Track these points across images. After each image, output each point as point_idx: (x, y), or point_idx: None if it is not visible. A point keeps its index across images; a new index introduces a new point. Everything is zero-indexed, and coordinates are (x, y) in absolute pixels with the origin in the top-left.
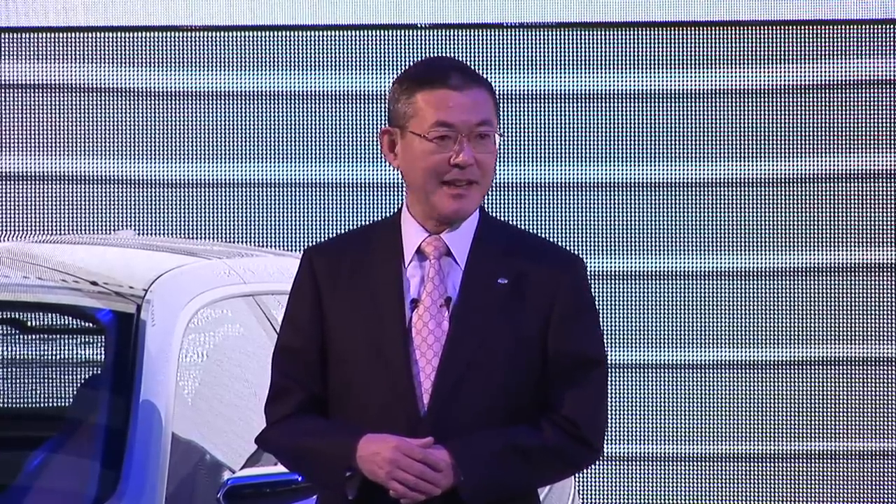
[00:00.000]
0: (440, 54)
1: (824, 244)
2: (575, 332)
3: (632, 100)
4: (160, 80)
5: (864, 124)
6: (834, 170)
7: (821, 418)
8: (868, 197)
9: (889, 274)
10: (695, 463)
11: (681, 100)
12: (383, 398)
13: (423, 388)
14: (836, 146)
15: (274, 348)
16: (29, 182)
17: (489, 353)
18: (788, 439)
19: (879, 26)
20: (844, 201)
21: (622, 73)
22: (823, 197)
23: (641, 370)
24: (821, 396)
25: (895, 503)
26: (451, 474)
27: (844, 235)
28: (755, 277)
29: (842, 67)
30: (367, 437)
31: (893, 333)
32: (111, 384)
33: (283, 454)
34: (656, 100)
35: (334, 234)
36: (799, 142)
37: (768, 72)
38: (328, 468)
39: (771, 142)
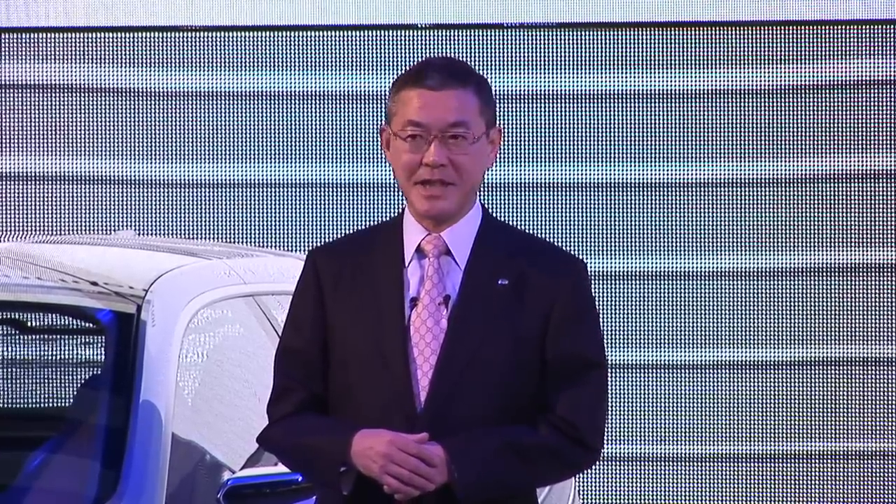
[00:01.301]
0: (439, 54)
1: (823, 244)
2: (574, 334)
3: (630, 100)
4: (159, 80)
5: (862, 124)
6: (832, 170)
7: (819, 418)
8: (867, 197)
9: (888, 274)
10: (693, 463)
11: (679, 100)
12: (382, 397)
13: (420, 387)
14: (834, 146)
15: (277, 349)
16: (28, 182)
17: (487, 353)
18: (787, 439)
19: (878, 26)
20: (843, 201)
21: (620, 73)
22: (822, 197)
23: (640, 370)
24: (819, 396)
25: (894, 503)
26: (445, 470)
27: (843, 235)
28: (753, 277)
29: (840, 67)
30: (361, 432)
31: (892, 333)
32: (111, 384)
33: (282, 452)
34: (655, 100)
35: (333, 235)
36: (797, 142)
37: (767, 72)
38: (324, 464)
39: (769, 142)
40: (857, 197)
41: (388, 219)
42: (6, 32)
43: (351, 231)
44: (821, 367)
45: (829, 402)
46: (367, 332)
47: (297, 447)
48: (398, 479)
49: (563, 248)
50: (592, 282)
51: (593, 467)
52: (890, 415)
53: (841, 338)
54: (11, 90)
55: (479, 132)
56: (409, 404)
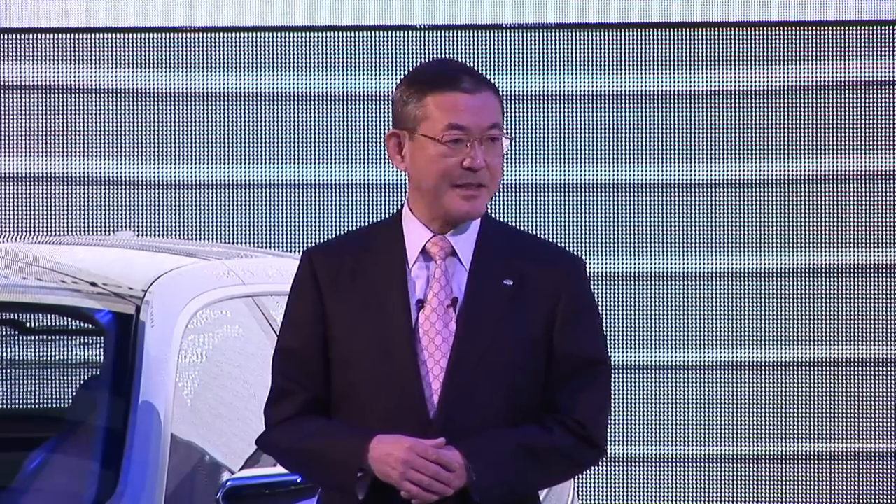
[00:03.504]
0: (445, 55)
1: (829, 244)
2: (579, 333)
3: (636, 100)
4: (164, 81)
5: (869, 125)
6: (839, 170)
7: (826, 418)
8: (873, 197)
9: (894, 274)
10: (699, 463)
11: (685, 100)
12: (391, 400)
13: (431, 389)
14: (841, 147)
15: (274, 349)
16: (34, 183)
17: (497, 354)
18: (793, 439)
19: (885, 27)
20: (850, 202)
21: (627, 73)
22: (828, 197)
23: (646, 370)
24: (825, 396)
25: None
26: (464, 474)
27: (850, 236)
28: (760, 278)
29: (847, 68)
30: (378, 437)
31: None
32: (110, 385)
33: (287, 456)
34: (661, 100)
35: (340, 235)
36: (804, 142)
37: (773, 72)
38: (338, 469)
39: (776, 142)
40: (863, 197)
41: (383, 218)
42: (11, 34)
43: (352, 230)
44: (827, 367)
45: (835, 401)
46: (373, 334)
47: (305, 452)
48: (418, 485)
49: (566, 247)
50: (598, 282)
51: (599, 467)
52: (895, 414)
53: (847, 338)
54: (17, 91)
55: (504, 133)
56: (421, 407)
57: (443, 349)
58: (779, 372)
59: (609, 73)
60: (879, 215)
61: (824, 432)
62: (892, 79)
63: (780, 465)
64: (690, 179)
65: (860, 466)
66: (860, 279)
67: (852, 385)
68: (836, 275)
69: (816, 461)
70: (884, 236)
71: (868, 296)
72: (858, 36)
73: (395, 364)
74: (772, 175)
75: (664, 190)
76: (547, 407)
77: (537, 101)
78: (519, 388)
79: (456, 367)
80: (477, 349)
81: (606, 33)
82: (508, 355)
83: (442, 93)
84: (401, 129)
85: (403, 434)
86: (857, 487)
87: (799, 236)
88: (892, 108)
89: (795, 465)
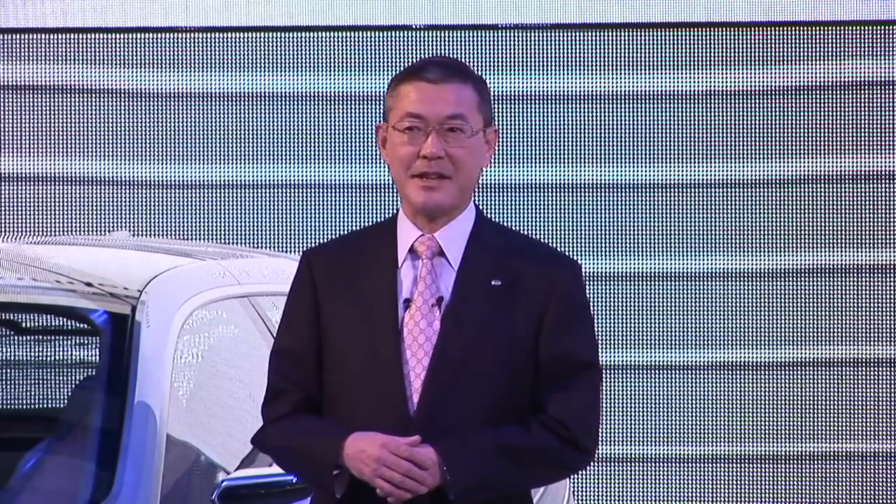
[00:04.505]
0: (445, 55)
1: (832, 245)
2: (567, 336)
3: (639, 101)
4: (166, 81)
5: (871, 125)
6: (841, 170)
7: (828, 418)
8: (876, 197)
9: None
10: (702, 463)
11: (688, 100)
12: (375, 398)
13: (413, 388)
14: (843, 147)
15: (272, 349)
16: (34, 183)
17: (480, 354)
18: (796, 439)
19: (887, 27)
20: (852, 202)
21: (629, 73)
22: (831, 197)
23: (648, 371)
24: (828, 396)
25: None
26: (438, 473)
27: (852, 236)
28: (762, 278)
29: (849, 68)
30: (354, 435)
31: None
32: (106, 385)
33: (276, 453)
34: (663, 100)
35: (338, 235)
36: (806, 142)
37: (775, 72)
38: (317, 467)
39: (778, 142)
40: (865, 197)
41: (381, 220)
42: (10, 34)
43: (350, 231)
44: (830, 368)
45: (838, 402)
46: (361, 334)
47: (291, 449)
48: (390, 483)
49: (568, 248)
50: (600, 282)
51: (601, 467)
52: None
53: (850, 338)
54: (17, 92)
55: (477, 127)
56: (402, 406)
57: (426, 348)
58: (781, 372)
59: (610, 73)
60: (882, 215)
61: (827, 432)
62: (893, 79)
63: (782, 465)
64: (692, 179)
65: (863, 466)
66: (862, 279)
67: (855, 385)
68: (838, 275)
69: (820, 461)
70: (886, 236)
71: (871, 296)
72: (860, 36)
73: (379, 363)
74: (774, 175)
75: (665, 190)
76: (534, 408)
77: (538, 102)
78: (503, 388)
79: (437, 365)
80: (460, 348)
81: (607, 33)
82: (493, 355)
83: (408, 83)
84: (385, 121)
85: (386, 433)
86: (859, 487)
87: (801, 236)
88: (894, 108)
89: (798, 465)
